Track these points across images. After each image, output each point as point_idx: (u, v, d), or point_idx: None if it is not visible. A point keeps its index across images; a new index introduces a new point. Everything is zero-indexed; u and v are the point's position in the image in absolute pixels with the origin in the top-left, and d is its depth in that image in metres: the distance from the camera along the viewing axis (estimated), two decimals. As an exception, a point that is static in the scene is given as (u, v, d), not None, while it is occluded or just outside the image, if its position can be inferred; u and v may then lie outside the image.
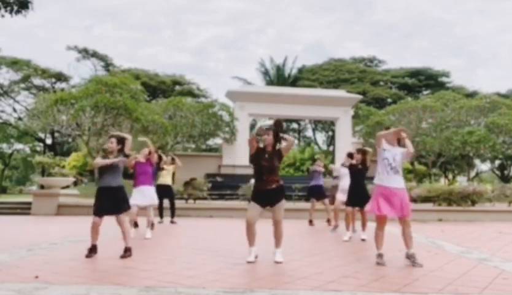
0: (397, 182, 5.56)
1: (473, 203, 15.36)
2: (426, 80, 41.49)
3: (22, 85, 36.12)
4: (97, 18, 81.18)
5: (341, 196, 9.37)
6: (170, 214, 11.29)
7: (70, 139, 32.50)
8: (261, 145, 5.78)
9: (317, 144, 40.38)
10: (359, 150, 8.55)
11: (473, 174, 34.35)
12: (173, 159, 11.19)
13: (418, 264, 5.45)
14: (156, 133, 20.83)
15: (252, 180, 15.74)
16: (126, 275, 4.75)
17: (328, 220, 10.73)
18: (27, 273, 4.71)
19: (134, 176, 8.33)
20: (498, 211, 15.34)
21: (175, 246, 7.31)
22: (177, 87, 38.17)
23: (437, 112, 24.43)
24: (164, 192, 10.49)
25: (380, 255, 5.59)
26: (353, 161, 8.40)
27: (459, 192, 15.36)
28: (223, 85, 78.28)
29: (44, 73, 34.95)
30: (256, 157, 5.68)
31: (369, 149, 8.97)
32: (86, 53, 38.63)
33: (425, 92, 41.52)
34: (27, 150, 46.40)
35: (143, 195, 8.14)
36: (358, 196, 8.17)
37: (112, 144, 6.03)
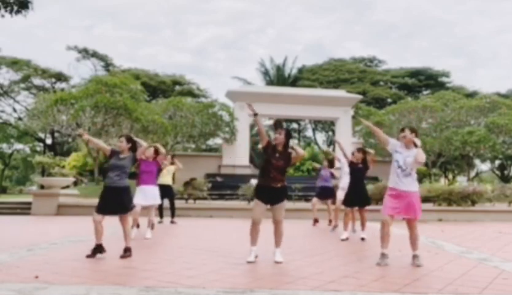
0: (407, 184, 5.49)
1: (473, 203, 15.36)
2: (426, 80, 41.50)
3: (22, 85, 36.13)
4: (97, 18, 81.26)
5: (342, 195, 9.37)
6: (170, 214, 11.29)
7: (70, 139, 32.53)
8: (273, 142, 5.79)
9: (317, 144, 40.38)
10: (359, 149, 8.54)
11: (473, 174, 34.35)
12: (173, 161, 11.14)
13: (418, 264, 5.45)
14: (156, 133, 20.85)
15: (252, 181, 15.77)
16: (126, 275, 4.75)
17: (330, 221, 10.73)
18: (27, 273, 4.71)
19: (138, 173, 8.28)
20: (498, 211, 15.34)
21: (175, 246, 7.31)
22: (177, 87, 38.19)
23: (437, 112, 24.44)
24: (164, 191, 10.47)
25: (383, 256, 5.54)
26: (354, 159, 8.36)
27: (459, 192, 15.36)
28: (223, 85, 78.33)
29: (44, 73, 34.96)
30: (267, 153, 5.68)
31: (371, 151, 8.95)
32: (86, 53, 38.64)
33: (425, 92, 41.53)
34: (27, 150, 46.40)
35: (146, 195, 8.12)
36: (358, 195, 8.17)
37: (122, 143, 6.04)
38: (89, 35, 75.31)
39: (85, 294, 3.88)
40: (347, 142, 25.52)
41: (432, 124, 24.95)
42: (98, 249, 5.83)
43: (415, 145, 5.55)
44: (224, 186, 20.43)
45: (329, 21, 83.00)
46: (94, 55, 38.91)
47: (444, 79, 42.18)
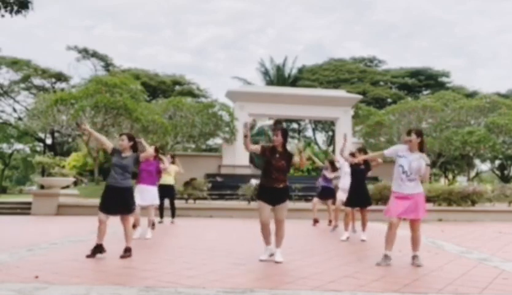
0: (411, 188, 5.50)
1: (473, 203, 15.36)
2: (426, 80, 41.50)
3: (22, 85, 36.12)
4: (97, 18, 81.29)
5: (342, 196, 9.35)
6: (170, 214, 11.27)
7: (70, 139, 32.54)
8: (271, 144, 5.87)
9: (317, 144, 40.37)
10: (360, 150, 8.45)
11: (473, 174, 34.36)
12: (173, 160, 11.11)
13: (417, 264, 5.45)
14: (156, 133, 20.85)
15: (252, 181, 15.75)
16: (126, 275, 4.75)
17: (330, 221, 10.72)
18: (27, 273, 4.71)
19: (138, 172, 8.24)
20: (498, 211, 15.34)
21: (175, 246, 7.31)
22: (177, 87, 38.18)
23: (437, 112, 24.44)
24: (165, 191, 10.45)
25: (386, 257, 5.53)
26: (356, 160, 8.32)
27: (459, 192, 15.35)
28: (223, 85, 78.37)
29: (44, 73, 34.95)
30: (266, 155, 5.72)
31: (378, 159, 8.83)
32: (86, 53, 38.64)
33: (425, 92, 41.53)
34: (27, 150, 46.39)
35: (143, 195, 8.11)
36: (359, 196, 8.14)
37: (124, 141, 6.03)
38: (89, 35, 75.40)
39: (85, 294, 3.88)
40: (347, 142, 25.57)
41: (432, 124, 24.95)
42: (98, 248, 5.82)
43: (421, 149, 5.54)
44: (224, 186, 20.42)
45: (329, 21, 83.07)
46: (94, 55, 38.91)
47: (444, 79, 42.18)
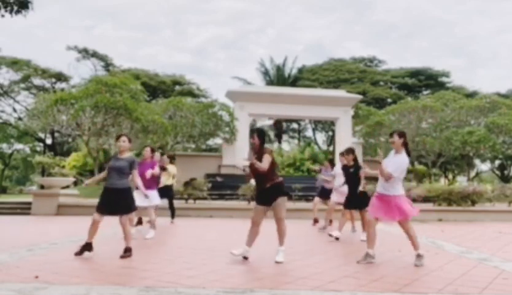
0: (389, 189, 5.56)
1: (473, 203, 15.35)
2: (426, 80, 41.50)
3: (22, 85, 36.15)
4: (97, 18, 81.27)
5: (335, 197, 9.37)
6: (170, 214, 11.25)
7: (70, 139, 32.54)
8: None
9: (317, 144, 40.37)
10: (349, 151, 8.35)
11: (473, 174, 34.36)
12: (171, 161, 11.08)
13: (416, 264, 5.47)
14: (156, 133, 20.84)
15: (252, 181, 15.72)
16: (126, 275, 4.75)
17: (330, 221, 10.71)
18: (27, 273, 4.71)
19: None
20: (498, 211, 15.34)
21: (175, 246, 7.31)
22: (177, 87, 38.19)
23: (437, 112, 24.43)
24: (163, 192, 10.40)
25: (367, 255, 5.62)
26: (345, 162, 8.31)
27: (459, 192, 15.35)
28: (223, 85, 78.38)
29: (44, 73, 34.97)
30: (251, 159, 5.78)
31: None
32: (86, 53, 38.66)
33: (425, 92, 41.54)
34: (27, 150, 46.40)
35: (142, 197, 8.10)
36: (355, 197, 8.07)
37: (125, 143, 6.06)
38: (89, 35, 75.39)
39: (85, 294, 3.88)
40: (347, 142, 25.58)
41: (432, 124, 24.93)
42: (87, 246, 5.84)
43: (408, 153, 5.66)
44: (224, 186, 20.41)
45: (330, 21, 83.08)
46: (94, 55, 38.93)
47: (444, 79, 42.19)
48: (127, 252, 5.86)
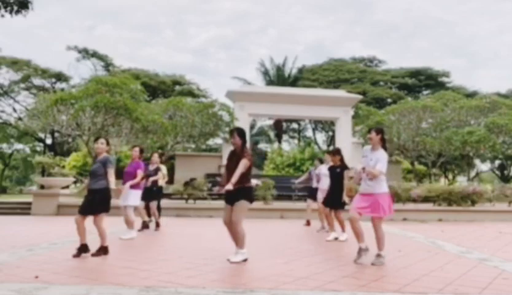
0: (372, 187, 5.57)
1: (473, 203, 15.35)
2: (426, 80, 41.50)
3: (22, 85, 36.13)
4: (98, 18, 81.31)
5: (320, 197, 9.43)
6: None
7: (70, 139, 32.50)
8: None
9: (317, 144, 40.38)
10: (335, 152, 8.42)
11: (473, 174, 34.37)
12: (161, 160, 10.95)
13: (374, 263, 5.51)
14: (156, 133, 20.82)
15: (252, 181, 15.66)
16: (126, 275, 4.75)
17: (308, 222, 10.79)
18: (27, 273, 4.71)
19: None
20: (498, 211, 15.33)
21: (175, 246, 7.31)
22: (177, 87, 38.17)
23: (437, 112, 24.41)
24: (155, 194, 10.23)
25: (360, 250, 5.65)
26: (331, 163, 8.34)
27: (459, 192, 15.35)
28: (223, 85, 78.41)
29: (44, 73, 34.96)
30: (228, 159, 5.77)
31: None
32: (86, 53, 38.65)
33: (425, 92, 41.54)
34: (27, 150, 46.40)
35: (123, 196, 8.08)
36: (334, 197, 8.09)
37: (102, 145, 6.16)
38: (90, 35, 75.36)
39: (85, 294, 3.89)
40: (347, 142, 25.59)
41: (432, 124, 24.91)
42: (83, 248, 5.87)
43: (384, 148, 5.73)
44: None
45: (330, 22, 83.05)
46: (94, 55, 38.92)
47: (444, 79, 42.18)
48: (100, 251, 5.92)
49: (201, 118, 23.39)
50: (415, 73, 41.55)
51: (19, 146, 44.95)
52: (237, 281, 4.49)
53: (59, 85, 36.47)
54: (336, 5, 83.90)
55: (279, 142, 40.63)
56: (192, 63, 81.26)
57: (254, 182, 16.06)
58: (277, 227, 11.19)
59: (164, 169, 10.61)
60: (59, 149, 36.02)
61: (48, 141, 37.35)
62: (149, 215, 9.93)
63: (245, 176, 5.59)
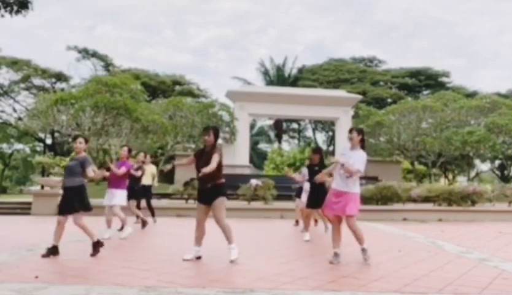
0: (349, 185, 5.59)
1: (473, 203, 15.34)
2: (426, 80, 41.51)
3: (22, 85, 36.10)
4: (98, 18, 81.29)
5: (304, 197, 9.39)
6: (150, 214, 11.02)
7: (70, 139, 32.47)
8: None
9: (317, 144, 40.39)
10: (314, 150, 8.38)
11: (473, 174, 34.35)
12: (144, 161, 10.78)
13: (367, 259, 5.55)
14: (156, 133, 20.84)
15: (252, 181, 15.66)
16: (126, 275, 4.75)
17: (316, 221, 10.73)
18: (27, 273, 4.71)
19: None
20: (498, 211, 15.33)
21: (175, 246, 7.31)
22: (177, 87, 38.16)
23: (437, 112, 24.44)
24: (141, 192, 10.18)
25: (336, 255, 5.63)
26: (311, 162, 8.27)
27: (459, 192, 15.34)
28: (223, 85, 78.42)
29: (44, 73, 34.94)
30: (197, 158, 5.74)
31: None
32: (86, 53, 38.65)
33: (425, 92, 41.55)
34: (27, 150, 46.38)
35: (109, 196, 8.06)
36: (318, 197, 7.82)
37: (81, 144, 6.11)
38: (90, 35, 75.33)
39: (84, 294, 3.88)
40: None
41: (432, 124, 24.94)
42: (52, 250, 5.81)
43: (363, 147, 5.78)
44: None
45: (330, 22, 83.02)
46: (94, 55, 38.92)
47: (444, 79, 42.19)
48: (95, 248, 5.89)
49: (201, 118, 23.41)
50: (415, 73, 41.56)
51: (19, 146, 44.95)
52: (237, 281, 4.49)
53: (59, 85, 36.46)
54: (336, 5, 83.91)
55: (279, 142, 40.64)
56: (192, 63, 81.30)
57: (254, 182, 16.11)
58: (277, 227, 11.18)
59: (151, 169, 10.62)
60: (59, 149, 35.98)
61: (48, 141, 37.32)
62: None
63: (218, 173, 5.61)
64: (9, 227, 10.39)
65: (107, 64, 39.70)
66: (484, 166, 37.85)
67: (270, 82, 41.82)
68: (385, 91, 39.32)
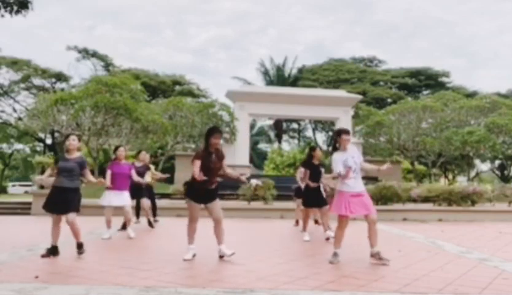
0: (361, 185, 5.77)
1: (473, 203, 15.34)
2: (426, 80, 41.52)
3: (22, 85, 36.13)
4: (98, 18, 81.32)
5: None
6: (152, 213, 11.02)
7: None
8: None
9: (317, 144, 40.39)
10: (314, 148, 8.41)
11: (473, 174, 34.34)
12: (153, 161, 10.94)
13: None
14: (156, 133, 20.84)
15: (252, 181, 15.66)
16: (126, 275, 4.75)
17: (316, 221, 10.73)
18: (27, 273, 4.71)
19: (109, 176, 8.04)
20: (498, 211, 15.31)
21: (175, 246, 7.31)
22: (177, 87, 38.19)
23: (437, 112, 24.44)
24: (142, 191, 10.18)
25: (335, 255, 5.66)
26: (314, 161, 8.27)
27: (459, 192, 15.33)
28: (223, 85, 78.41)
29: (44, 73, 34.97)
30: (204, 160, 5.71)
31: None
32: (86, 53, 38.68)
33: (425, 92, 41.56)
34: (27, 150, 46.38)
35: (114, 198, 8.00)
36: (316, 196, 7.98)
37: (74, 141, 6.04)
38: (90, 35, 75.39)
39: (84, 294, 3.88)
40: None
41: (432, 124, 24.94)
42: (52, 250, 5.81)
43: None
44: (224, 186, 20.36)
45: (330, 22, 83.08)
46: (94, 55, 38.95)
47: (444, 79, 42.21)
48: (80, 248, 5.86)
49: (201, 118, 23.41)
50: (415, 73, 41.57)
51: (19, 146, 44.93)
52: (237, 281, 4.49)
53: (59, 85, 36.49)
54: (336, 5, 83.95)
55: (279, 142, 40.64)
56: (192, 63, 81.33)
57: (254, 182, 16.10)
58: (277, 227, 11.18)
59: (152, 168, 10.69)
60: (59, 149, 35.98)
61: (48, 141, 37.35)
62: (138, 215, 10.17)
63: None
64: (9, 227, 10.39)
65: (107, 64, 39.72)
66: (484, 166, 37.85)
67: (270, 82, 41.82)
68: (385, 91, 39.34)
